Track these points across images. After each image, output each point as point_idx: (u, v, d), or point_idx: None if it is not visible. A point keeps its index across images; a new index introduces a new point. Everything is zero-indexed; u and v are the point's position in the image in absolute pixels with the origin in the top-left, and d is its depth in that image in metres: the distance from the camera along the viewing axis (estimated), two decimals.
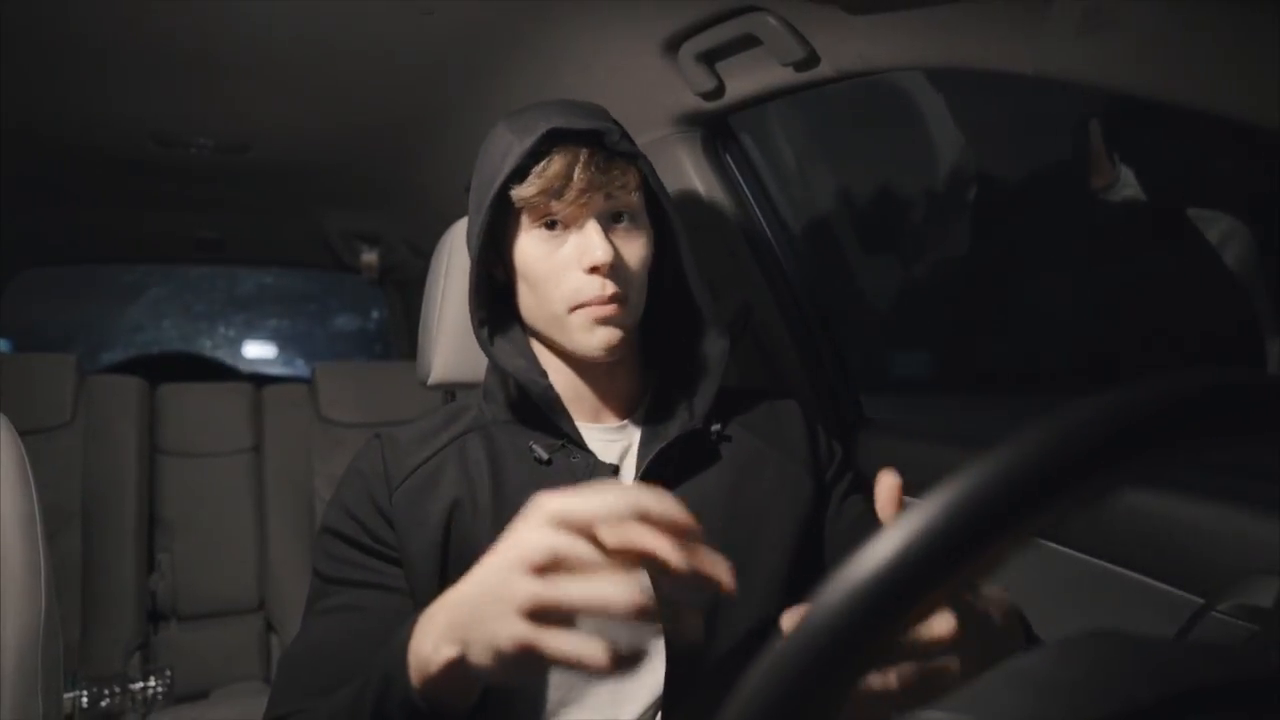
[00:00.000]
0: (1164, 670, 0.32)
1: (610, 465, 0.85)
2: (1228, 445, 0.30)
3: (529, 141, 0.79)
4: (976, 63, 0.87)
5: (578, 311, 0.82)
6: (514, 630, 0.49)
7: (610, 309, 0.81)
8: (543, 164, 0.79)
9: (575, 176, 0.79)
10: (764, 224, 1.36)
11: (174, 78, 1.44)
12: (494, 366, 0.92)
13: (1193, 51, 0.68)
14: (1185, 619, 0.74)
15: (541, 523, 0.51)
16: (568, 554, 0.49)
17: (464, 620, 0.53)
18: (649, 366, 0.94)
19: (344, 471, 0.87)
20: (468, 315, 1.02)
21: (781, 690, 0.28)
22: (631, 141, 0.85)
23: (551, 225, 0.82)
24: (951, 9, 0.83)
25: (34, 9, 1.17)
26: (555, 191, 0.79)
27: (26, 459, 0.86)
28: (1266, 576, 0.70)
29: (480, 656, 0.52)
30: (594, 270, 0.80)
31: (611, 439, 0.89)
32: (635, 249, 0.84)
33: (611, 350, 0.83)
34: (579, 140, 0.80)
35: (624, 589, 0.47)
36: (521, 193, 0.80)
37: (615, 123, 0.85)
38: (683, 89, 1.20)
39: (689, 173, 1.33)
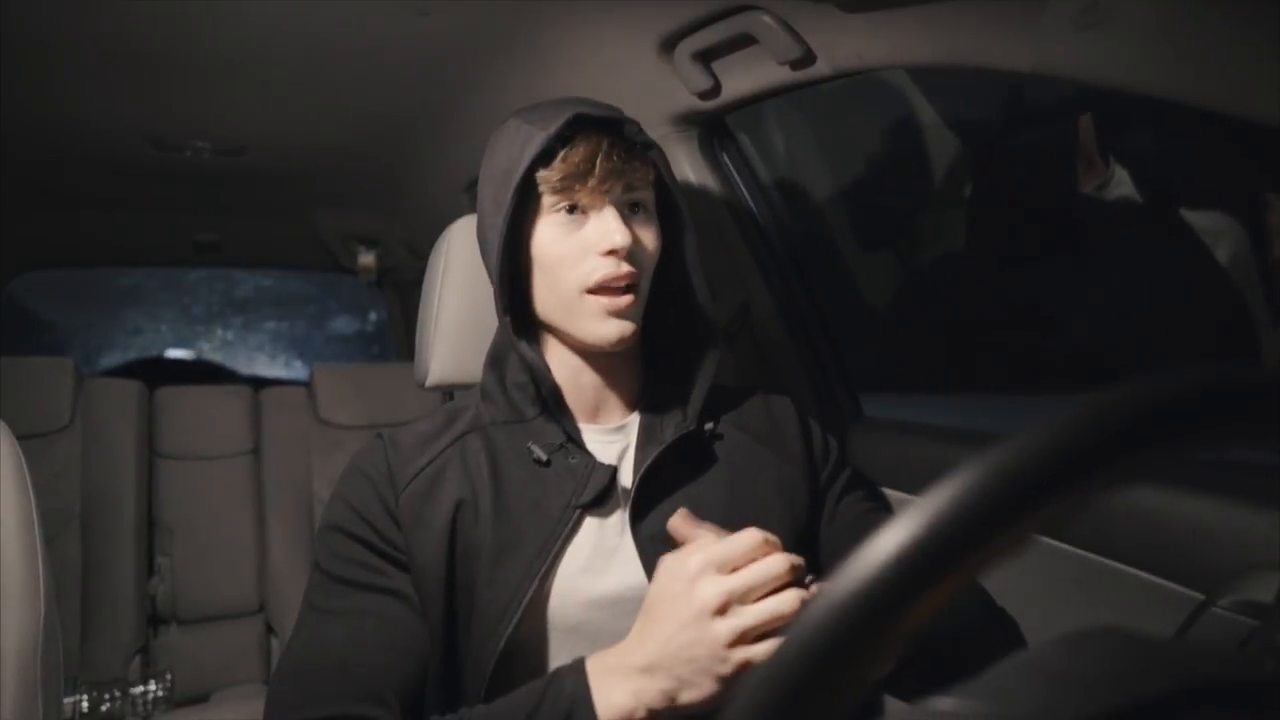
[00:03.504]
0: (1169, 666, 0.32)
1: (609, 467, 0.85)
2: (1237, 441, 0.30)
3: (554, 126, 0.80)
4: (974, 60, 0.87)
5: (591, 297, 0.82)
6: (733, 659, 0.63)
7: (624, 300, 0.82)
8: (567, 149, 0.81)
9: (598, 164, 0.80)
10: (761, 223, 1.36)
11: (170, 81, 1.44)
12: (491, 366, 0.92)
13: (1190, 48, 0.68)
14: (1186, 615, 0.74)
15: (701, 573, 0.65)
16: (739, 591, 0.63)
17: (671, 671, 0.65)
18: (646, 365, 0.94)
19: (345, 471, 0.87)
20: (465, 316, 1.02)
21: (785, 687, 0.28)
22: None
23: (570, 210, 0.83)
24: (948, 6, 0.83)
25: (30, 12, 1.17)
26: (579, 176, 0.80)
27: (25, 463, 0.86)
28: (1267, 572, 0.70)
29: (698, 693, 0.65)
30: (611, 253, 0.81)
31: (609, 439, 0.89)
32: (648, 239, 0.85)
33: (622, 340, 0.84)
34: (600, 129, 0.82)
35: (789, 598, 0.63)
36: (547, 176, 0.81)
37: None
38: (679, 88, 1.20)
39: (686, 172, 1.33)
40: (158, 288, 6.66)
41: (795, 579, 0.65)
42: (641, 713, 0.66)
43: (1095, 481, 0.28)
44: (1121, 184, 1.36)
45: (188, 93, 1.50)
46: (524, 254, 0.85)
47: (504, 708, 0.71)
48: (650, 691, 0.65)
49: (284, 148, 1.86)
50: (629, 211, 0.84)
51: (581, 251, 0.82)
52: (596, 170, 0.80)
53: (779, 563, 0.64)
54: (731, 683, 0.63)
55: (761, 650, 0.62)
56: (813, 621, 0.28)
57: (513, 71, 1.35)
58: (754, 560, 0.65)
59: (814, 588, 0.65)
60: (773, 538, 0.67)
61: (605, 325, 0.83)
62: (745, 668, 0.63)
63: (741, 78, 1.14)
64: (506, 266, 0.85)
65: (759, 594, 0.64)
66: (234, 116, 1.64)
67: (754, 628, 0.63)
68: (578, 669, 0.69)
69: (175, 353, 6.64)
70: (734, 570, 0.65)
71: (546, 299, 0.86)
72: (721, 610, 0.63)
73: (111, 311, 6.55)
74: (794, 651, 0.28)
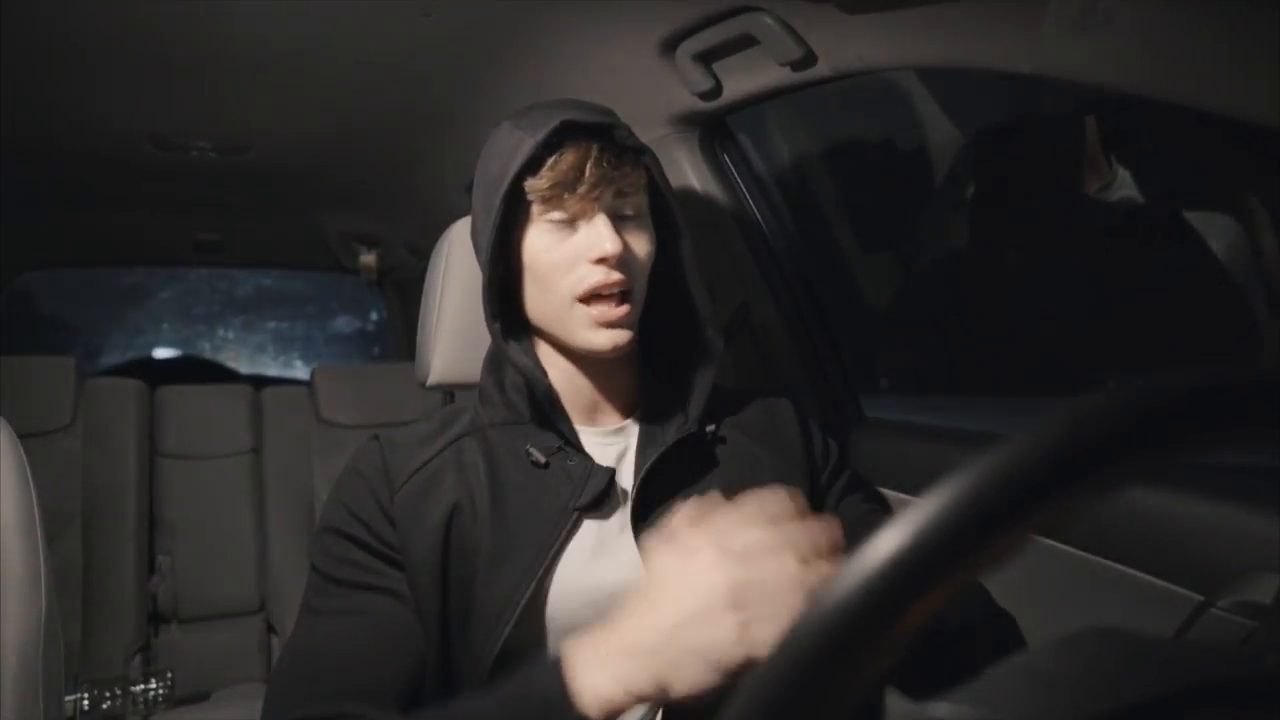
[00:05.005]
0: (1165, 667, 0.32)
1: (607, 469, 0.85)
2: (1234, 443, 0.30)
3: (542, 133, 0.80)
4: (974, 62, 0.87)
5: (583, 306, 0.82)
6: (739, 652, 0.59)
7: (618, 312, 0.82)
8: (555, 157, 0.80)
9: (587, 171, 0.79)
10: (762, 223, 1.36)
11: (172, 81, 1.44)
12: (490, 369, 0.92)
13: (1190, 49, 0.68)
14: (1185, 616, 0.74)
15: (714, 560, 0.62)
16: (755, 584, 0.60)
17: (668, 657, 0.61)
18: (644, 367, 0.94)
19: (342, 472, 0.87)
20: (466, 316, 1.02)
21: (784, 687, 0.28)
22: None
23: (561, 218, 0.82)
24: (948, 8, 0.83)
25: (33, 14, 1.17)
26: (568, 184, 0.80)
27: (26, 462, 0.86)
28: (1266, 573, 0.70)
29: (693, 682, 0.60)
30: (602, 261, 0.80)
31: (608, 442, 0.89)
32: (641, 245, 0.85)
33: (617, 348, 0.83)
34: (590, 135, 0.81)
35: (801, 596, 0.60)
36: (535, 184, 0.80)
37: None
38: (680, 89, 1.20)
39: (687, 173, 1.33)
40: (159, 287, 6.67)
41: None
42: (627, 699, 0.62)
43: (1091, 485, 0.28)
44: (1124, 185, 1.36)
45: (190, 93, 1.51)
46: (515, 259, 0.85)
47: (487, 699, 0.69)
48: (639, 677, 0.62)
49: (286, 148, 1.86)
50: (621, 218, 0.83)
51: (572, 259, 0.82)
52: (586, 178, 0.79)
53: (795, 559, 0.62)
54: (731, 674, 0.60)
55: (767, 644, 0.60)
56: (808, 627, 0.28)
57: (514, 72, 1.35)
58: (770, 553, 0.62)
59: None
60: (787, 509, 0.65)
61: (598, 335, 0.83)
62: (749, 661, 0.60)
63: (742, 79, 1.14)
64: (498, 271, 0.85)
65: (774, 588, 0.61)
66: (236, 117, 1.64)
67: (765, 622, 0.60)
68: (559, 655, 0.66)
69: (162, 352, 6.64)
70: (750, 562, 0.62)
71: (539, 304, 0.86)
72: (734, 601, 0.60)
73: (113, 311, 6.55)
74: (790, 656, 0.28)
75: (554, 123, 0.80)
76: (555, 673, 0.64)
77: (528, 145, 0.80)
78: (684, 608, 0.61)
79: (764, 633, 0.60)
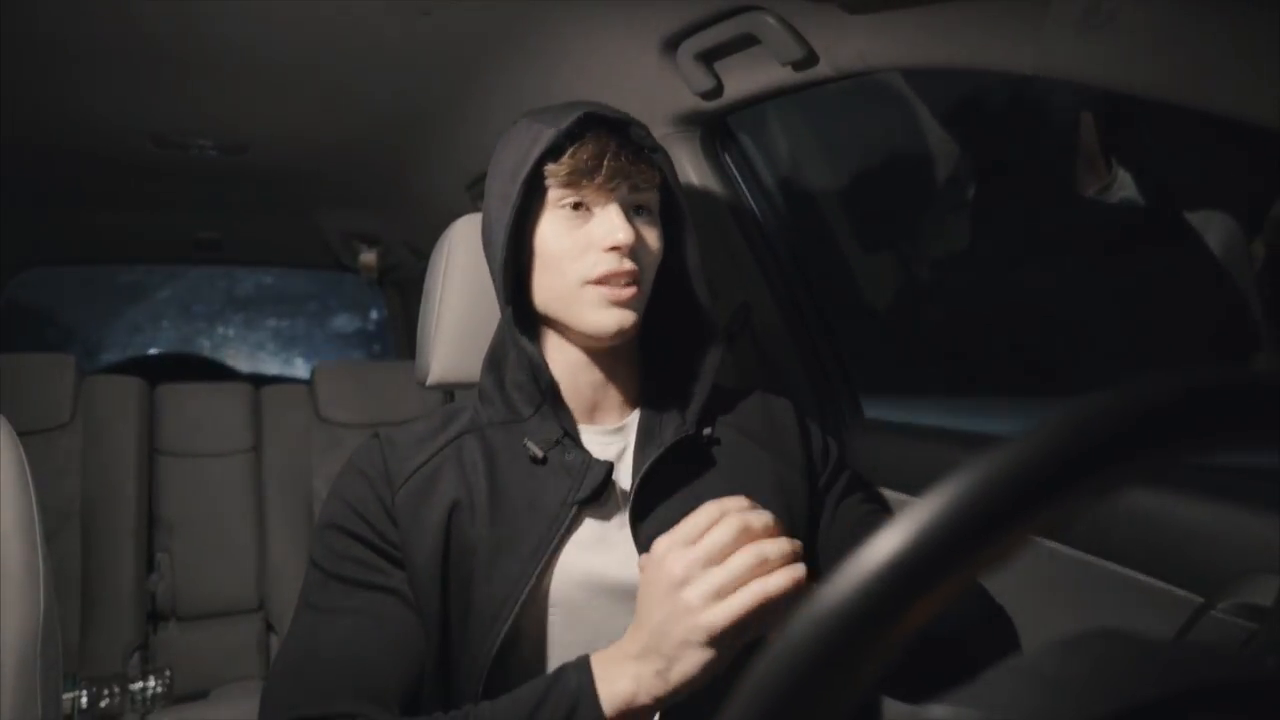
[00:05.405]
0: (1168, 669, 0.32)
1: (605, 462, 0.85)
2: (1247, 441, 0.30)
3: (565, 123, 0.82)
4: (976, 62, 0.87)
5: (592, 287, 0.83)
6: (704, 624, 0.64)
7: (627, 292, 0.83)
8: (576, 145, 0.82)
9: (605, 162, 0.82)
10: (763, 223, 1.36)
11: (173, 80, 1.44)
12: (489, 368, 0.92)
13: (1193, 50, 0.68)
14: (1184, 618, 0.74)
15: (668, 552, 0.67)
16: (699, 559, 0.65)
17: (660, 651, 0.67)
18: (645, 366, 0.94)
19: (341, 470, 0.87)
20: (466, 315, 1.03)
21: (781, 690, 0.28)
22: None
23: (576, 207, 0.84)
24: (951, 8, 0.83)
25: (34, 12, 1.17)
26: (586, 171, 0.82)
27: (25, 460, 0.86)
28: (1266, 575, 0.70)
29: (686, 666, 0.66)
30: (615, 250, 0.82)
31: (607, 440, 0.89)
32: (651, 239, 0.86)
33: (622, 332, 0.84)
34: (609, 129, 0.83)
35: (748, 554, 0.64)
36: (555, 169, 0.82)
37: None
38: (681, 88, 1.20)
39: (688, 172, 1.33)
40: (159, 285, 6.67)
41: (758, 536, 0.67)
42: (643, 698, 0.67)
43: (1092, 485, 0.28)
44: (1124, 187, 1.36)
45: (190, 91, 1.51)
46: (527, 248, 0.86)
47: (508, 702, 0.71)
48: (646, 675, 0.67)
49: (286, 147, 1.86)
50: (633, 212, 0.85)
51: (585, 246, 0.83)
52: (604, 168, 0.81)
53: (732, 525, 0.66)
54: (711, 649, 0.65)
55: (728, 606, 0.63)
56: (805, 628, 0.28)
57: (514, 71, 1.35)
58: (711, 526, 0.67)
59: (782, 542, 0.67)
60: (733, 504, 0.68)
61: (606, 314, 0.83)
62: (718, 630, 0.64)
63: (744, 78, 1.14)
64: (510, 260, 0.86)
65: (721, 559, 0.65)
66: (236, 115, 1.64)
67: (719, 589, 0.64)
68: (582, 663, 0.70)
69: (161, 350, 6.65)
70: (696, 540, 0.67)
71: (548, 291, 0.86)
72: (686, 580, 0.65)
73: (113, 309, 6.56)
74: (787, 658, 0.28)
75: (576, 114, 0.83)
76: (577, 680, 0.69)
77: (549, 134, 0.82)
78: (654, 601, 0.67)
79: (722, 595, 0.64)
